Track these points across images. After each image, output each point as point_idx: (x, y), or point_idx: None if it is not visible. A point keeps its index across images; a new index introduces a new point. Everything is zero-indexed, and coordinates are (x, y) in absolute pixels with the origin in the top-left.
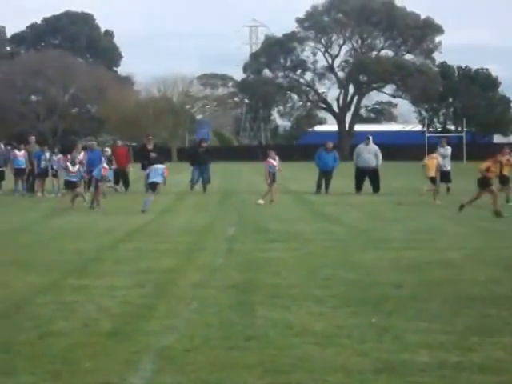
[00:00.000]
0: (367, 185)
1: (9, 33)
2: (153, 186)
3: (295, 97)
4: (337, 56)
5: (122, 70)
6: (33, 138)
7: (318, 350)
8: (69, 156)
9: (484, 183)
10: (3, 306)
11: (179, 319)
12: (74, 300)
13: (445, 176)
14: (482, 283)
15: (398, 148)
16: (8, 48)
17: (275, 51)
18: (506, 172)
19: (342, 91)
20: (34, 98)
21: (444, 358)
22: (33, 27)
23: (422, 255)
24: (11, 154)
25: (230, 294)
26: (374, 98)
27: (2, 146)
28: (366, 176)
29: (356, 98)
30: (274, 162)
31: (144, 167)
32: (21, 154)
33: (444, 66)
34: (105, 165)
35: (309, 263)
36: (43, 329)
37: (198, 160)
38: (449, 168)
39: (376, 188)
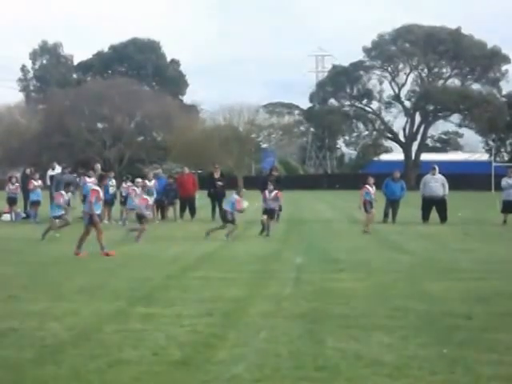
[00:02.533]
0: (434, 214)
1: (76, 61)
2: (223, 214)
3: (361, 126)
4: (403, 85)
5: (188, 98)
6: (98, 166)
7: (389, 382)
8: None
9: None
10: (72, 333)
11: (248, 348)
12: (142, 328)
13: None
14: None
15: (464, 177)
16: (75, 76)
17: (341, 80)
18: None
19: (409, 120)
20: (100, 125)
21: None
22: (100, 55)
23: (491, 286)
24: (81, 181)
25: (298, 323)
26: (440, 127)
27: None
28: (433, 206)
29: (422, 127)
30: (371, 188)
31: (210, 195)
32: (91, 181)
33: (511, 95)
34: (144, 195)
35: (377, 293)
36: (113, 357)
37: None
38: None
39: (443, 218)
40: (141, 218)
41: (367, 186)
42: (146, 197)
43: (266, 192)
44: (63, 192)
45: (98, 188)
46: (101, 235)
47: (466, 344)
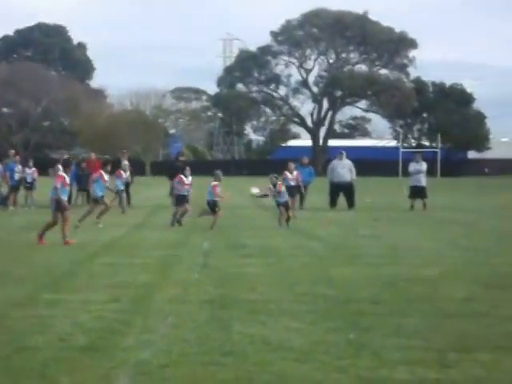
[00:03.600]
0: (342, 200)
1: None
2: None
3: (269, 111)
4: (311, 70)
5: (95, 82)
6: (12, 152)
7: (296, 366)
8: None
9: None
10: None
11: (156, 334)
12: (49, 314)
13: (420, 192)
14: (460, 300)
15: (372, 163)
16: None
17: (249, 65)
18: None
19: (316, 106)
20: (5, 110)
21: (423, 375)
22: (4, 39)
23: (399, 271)
24: None
25: (206, 309)
26: (347, 113)
27: None
28: (341, 191)
29: (330, 112)
30: (291, 175)
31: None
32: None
33: (418, 81)
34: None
35: (285, 278)
36: (19, 343)
37: (175, 174)
38: (424, 184)
39: (351, 203)
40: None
41: (286, 172)
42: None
43: (287, 173)
44: None
45: (63, 174)
46: (66, 223)
47: (372, 329)
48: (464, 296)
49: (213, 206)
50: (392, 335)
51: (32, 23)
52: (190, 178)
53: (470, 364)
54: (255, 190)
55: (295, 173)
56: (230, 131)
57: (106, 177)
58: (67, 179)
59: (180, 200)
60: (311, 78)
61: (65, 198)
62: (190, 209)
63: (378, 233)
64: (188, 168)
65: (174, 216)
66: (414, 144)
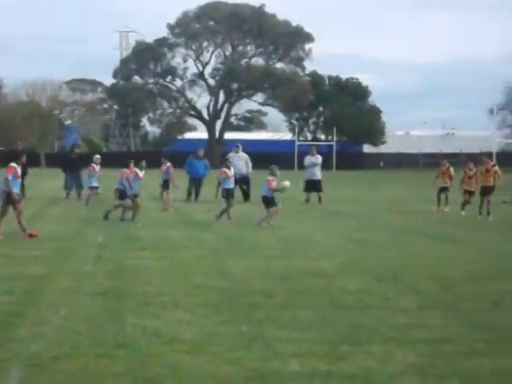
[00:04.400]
0: (238, 193)
1: None
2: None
3: (165, 103)
4: (207, 63)
5: None
6: None
7: (188, 359)
8: None
9: None
10: None
11: (48, 326)
12: None
13: (315, 185)
14: (353, 293)
15: (268, 156)
16: None
17: (145, 57)
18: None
19: (213, 99)
20: None
21: (314, 367)
22: None
23: (293, 264)
24: None
25: (99, 301)
26: (244, 106)
27: None
28: (237, 184)
29: (226, 105)
30: (229, 172)
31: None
32: None
33: (314, 74)
34: None
35: (179, 271)
36: None
37: (70, 166)
38: (319, 177)
39: (247, 196)
40: None
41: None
42: None
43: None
44: None
45: (15, 165)
46: (21, 216)
47: (265, 321)
48: (357, 288)
49: (270, 201)
50: (285, 327)
51: None
52: (143, 172)
53: (362, 356)
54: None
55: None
56: (126, 123)
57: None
58: (19, 171)
59: (124, 195)
60: (208, 71)
61: (16, 190)
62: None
63: (274, 225)
64: (143, 162)
65: (113, 207)
66: (309, 137)
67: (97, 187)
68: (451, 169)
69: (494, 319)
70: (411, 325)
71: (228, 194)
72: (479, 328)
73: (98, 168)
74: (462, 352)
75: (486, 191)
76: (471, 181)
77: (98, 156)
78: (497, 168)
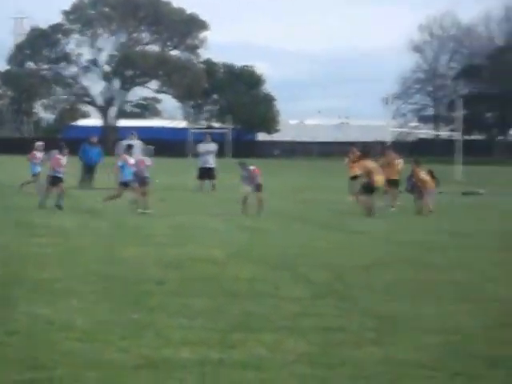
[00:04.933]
0: None
1: None
2: None
3: (59, 89)
4: (102, 50)
5: None
6: None
7: (80, 346)
8: None
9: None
10: None
11: None
12: None
13: (209, 172)
14: (245, 281)
15: (162, 144)
16: None
17: (40, 43)
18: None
19: (107, 85)
20: None
21: (205, 355)
22: None
23: (185, 252)
24: None
25: None
26: (138, 93)
27: None
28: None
29: (121, 92)
30: (132, 160)
31: None
32: None
33: (209, 62)
34: None
35: (72, 258)
36: None
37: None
38: (213, 164)
39: None
40: None
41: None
42: None
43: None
44: None
45: None
46: None
47: (157, 309)
48: (249, 276)
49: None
50: (176, 315)
51: None
52: (65, 159)
53: (253, 344)
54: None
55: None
56: (20, 109)
57: None
58: None
59: (55, 181)
60: (102, 58)
61: None
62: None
63: (166, 213)
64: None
65: (44, 196)
66: (204, 125)
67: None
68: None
69: (385, 308)
70: (303, 313)
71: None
72: (370, 316)
73: (39, 155)
74: (352, 341)
75: (390, 184)
76: (354, 165)
77: (40, 143)
78: (400, 161)
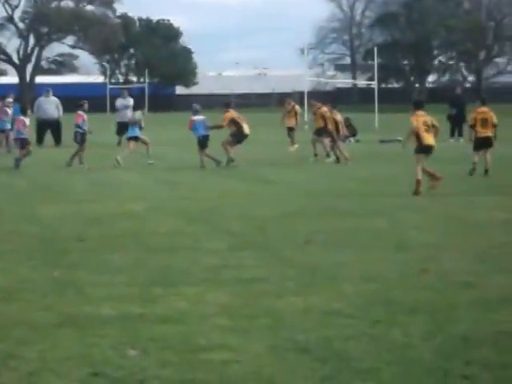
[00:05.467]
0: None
1: None
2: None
3: None
4: (17, 6)
5: None
6: None
7: (2, 306)
8: None
9: None
10: None
11: None
12: None
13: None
14: (164, 234)
15: (81, 100)
16: None
17: None
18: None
19: (23, 42)
20: None
21: (126, 310)
22: None
23: (104, 208)
24: None
25: None
26: (55, 49)
27: None
28: (48, 128)
29: (37, 49)
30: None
31: None
32: None
33: (125, 16)
34: None
35: None
36: None
37: None
38: None
39: (58, 140)
40: None
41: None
42: None
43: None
44: None
45: None
46: None
47: (77, 266)
48: (168, 230)
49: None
50: (96, 272)
51: None
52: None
53: (174, 298)
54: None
55: None
56: None
57: None
58: None
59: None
60: (17, 14)
61: None
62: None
63: (85, 169)
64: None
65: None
66: (121, 80)
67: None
68: (297, 107)
69: (306, 257)
70: (223, 265)
71: (82, 139)
72: (291, 267)
73: (10, 111)
74: (273, 291)
75: (316, 133)
76: (290, 115)
77: (10, 99)
78: (324, 109)
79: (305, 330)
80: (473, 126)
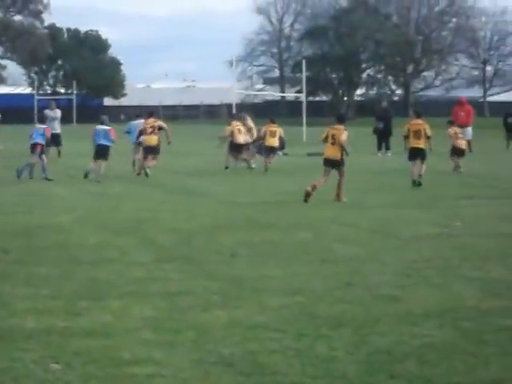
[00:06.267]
0: None
1: None
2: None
3: None
4: None
5: None
6: None
7: None
8: None
9: None
10: None
11: None
12: None
13: (54, 139)
14: (91, 247)
15: (7, 111)
16: None
17: None
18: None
19: None
20: None
21: (51, 324)
22: None
23: (32, 219)
24: None
25: None
26: None
27: None
28: None
29: None
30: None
31: None
32: None
33: (53, 27)
34: None
35: None
36: None
37: None
38: (58, 131)
39: None
40: None
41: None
42: None
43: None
44: None
45: None
46: None
47: (2, 278)
48: (95, 242)
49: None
50: (22, 284)
51: None
52: None
53: (99, 311)
54: None
55: None
56: None
57: None
58: None
59: None
60: None
61: None
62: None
63: (14, 181)
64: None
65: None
66: (49, 91)
67: None
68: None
69: (231, 271)
70: (148, 278)
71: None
72: (216, 280)
73: None
74: (198, 304)
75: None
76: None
77: None
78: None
79: (229, 343)
80: (406, 137)
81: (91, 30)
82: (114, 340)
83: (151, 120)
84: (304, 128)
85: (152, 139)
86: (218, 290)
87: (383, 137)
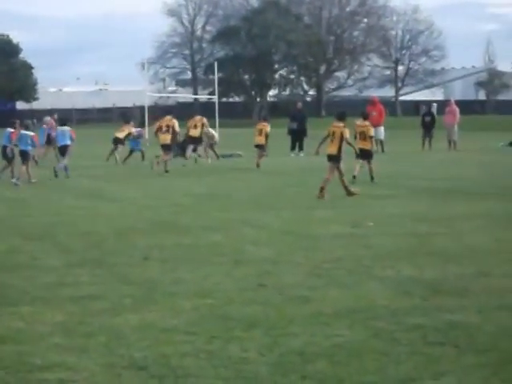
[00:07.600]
0: None
1: None
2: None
3: None
4: None
5: None
6: None
7: None
8: None
9: None
10: None
11: None
12: None
13: None
14: (1, 253)
15: None
16: None
17: None
18: None
19: None
20: None
21: None
22: None
23: None
24: None
25: None
26: None
27: None
28: None
29: None
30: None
31: None
32: None
33: None
34: None
35: None
36: None
37: None
38: None
39: None
40: None
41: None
42: None
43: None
44: None
45: None
46: None
47: None
48: (5, 249)
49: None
50: None
51: None
52: None
53: (10, 317)
54: None
55: None
56: None
57: None
58: None
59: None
60: None
61: None
62: None
63: None
64: None
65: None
66: None
67: None
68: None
69: (143, 274)
70: (59, 283)
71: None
72: (127, 283)
73: None
74: (109, 308)
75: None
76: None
77: None
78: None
79: (142, 347)
80: (355, 139)
81: (2, 34)
82: (25, 346)
83: (167, 118)
84: (217, 129)
85: (167, 137)
86: (130, 294)
87: (297, 137)
